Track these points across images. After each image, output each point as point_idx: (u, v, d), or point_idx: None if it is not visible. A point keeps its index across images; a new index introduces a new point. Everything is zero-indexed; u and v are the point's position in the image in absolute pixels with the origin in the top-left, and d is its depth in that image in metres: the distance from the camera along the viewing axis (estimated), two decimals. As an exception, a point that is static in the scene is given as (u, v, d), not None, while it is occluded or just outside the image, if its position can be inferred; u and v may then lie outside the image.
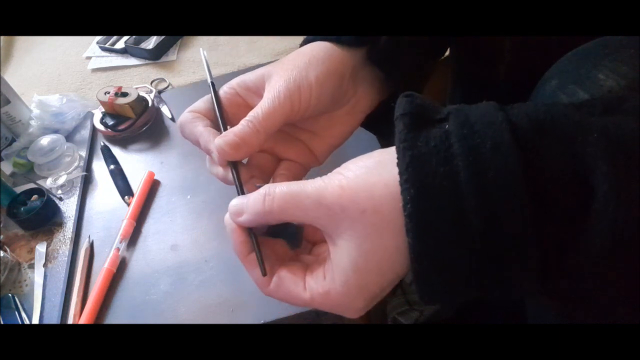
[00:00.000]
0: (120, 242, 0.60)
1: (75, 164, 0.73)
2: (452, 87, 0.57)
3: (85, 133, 0.78)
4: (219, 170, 0.35)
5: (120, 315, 0.55)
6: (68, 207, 0.67)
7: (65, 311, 0.56)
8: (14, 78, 0.95)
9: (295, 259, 0.32)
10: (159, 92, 0.83)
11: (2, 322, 0.55)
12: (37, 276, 0.59)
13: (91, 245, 0.62)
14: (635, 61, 0.30)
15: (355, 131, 0.41)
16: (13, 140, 0.78)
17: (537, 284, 0.23)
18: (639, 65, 0.30)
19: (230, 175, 0.34)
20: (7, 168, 0.74)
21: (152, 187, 0.67)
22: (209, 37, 0.93)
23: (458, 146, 0.23)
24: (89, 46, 0.99)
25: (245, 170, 0.35)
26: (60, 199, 0.68)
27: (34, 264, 0.61)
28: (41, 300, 0.57)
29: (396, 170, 0.24)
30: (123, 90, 0.75)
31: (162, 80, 0.86)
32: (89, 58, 0.97)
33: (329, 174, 0.28)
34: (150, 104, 0.77)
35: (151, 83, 0.86)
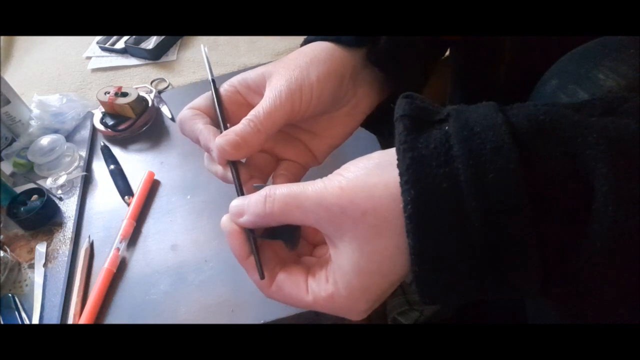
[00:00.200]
0: (120, 242, 0.60)
1: (75, 164, 0.73)
2: (452, 87, 0.57)
3: (85, 133, 0.78)
4: (218, 168, 0.35)
5: (120, 315, 0.55)
6: (68, 207, 0.67)
7: (65, 311, 0.55)
8: (14, 78, 0.95)
9: (297, 261, 0.32)
10: (159, 92, 0.83)
11: (2, 322, 0.55)
12: (37, 276, 0.59)
13: (91, 245, 0.62)
14: (635, 61, 0.30)
15: (355, 131, 0.41)
16: (13, 140, 0.78)
17: (537, 285, 0.23)
18: (639, 65, 0.30)
19: (229, 175, 0.34)
20: (7, 168, 0.74)
21: (152, 187, 0.67)
22: (209, 37, 0.93)
23: (458, 148, 0.23)
24: (89, 46, 0.99)
25: (244, 170, 0.35)
26: (60, 199, 0.68)
27: (34, 264, 0.61)
28: (41, 300, 0.57)
29: (396, 171, 0.24)
30: (123, 90, 0.75)
31: (162, 80, 0.86)
32: (89, 58, 0.97)
33: (329, 176, 0.28)
34: (150, 104, 0.77)
35: (151, 83, 0.86)
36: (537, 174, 0.22)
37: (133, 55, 0.93)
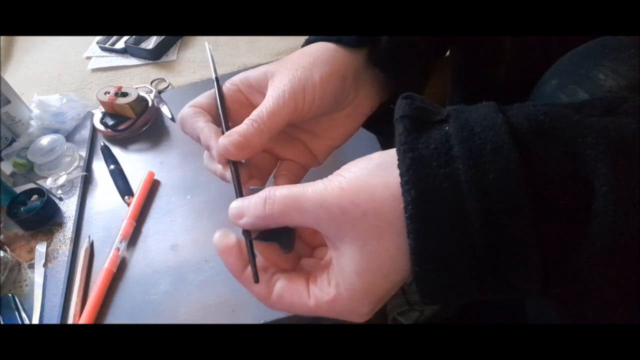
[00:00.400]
0: (120, 242, 0.60)
1: (75, 164, 0.73)
2: (452, 87, 0.57)
3: (85, 133, 0.78)
4: (217, 167, 0.35)
5: (120, 315, 0.55)
6: (68, 207, 0.67)
7: (65, 311, 0.56)
8: (14, 78, 0.95)
9: (296, 266, 0.32)
10: (159, 92, 0.83)
11: (2, 322, 0.55)
12: (37, 276, 0.59)
13: (91, 245, 0.62)
14: (635, 61, 0.30)
15: (355, 132, 0.41)
16: (13, 140, 0.78)
17: (537, 285, 0.23)
18: (639, 65, 0.30)
19: (228, 174, 0.34)
20: (7, 168, 0.74)
21: (152, 187, 0.67)
22: (209, 37, 0.93)
23: (458, 148, 0.23)
24: (89, 46, 0.99)
25: (244, 170, 0.35)
26: (60, 199, 0.68)
27: (34, 264, 0.61)
28: (41, 300, 0.57)
29: (397, 172, 0.24)
30: (123, 90, 0.75)
31: (162, 80, 0.86)
32: (89, 58, 0.97)
33: (330, 176, 0.28)
34: (150, 104, 0.77)
35: (151, 83, 0.86)
36: (537, 174, 0.22)
37: (133, 55, 0.93)
